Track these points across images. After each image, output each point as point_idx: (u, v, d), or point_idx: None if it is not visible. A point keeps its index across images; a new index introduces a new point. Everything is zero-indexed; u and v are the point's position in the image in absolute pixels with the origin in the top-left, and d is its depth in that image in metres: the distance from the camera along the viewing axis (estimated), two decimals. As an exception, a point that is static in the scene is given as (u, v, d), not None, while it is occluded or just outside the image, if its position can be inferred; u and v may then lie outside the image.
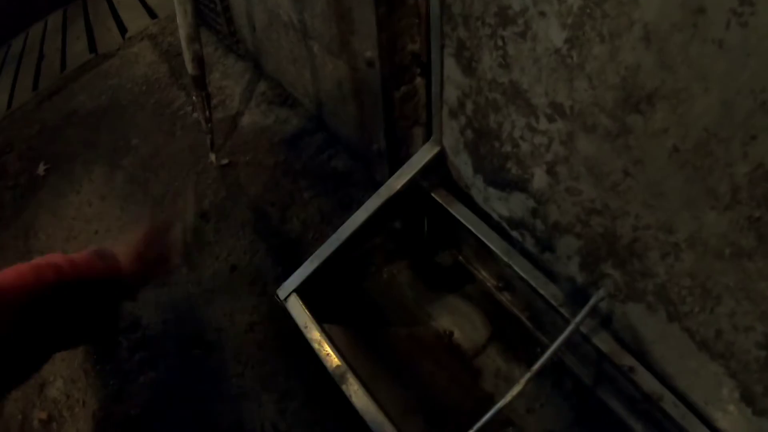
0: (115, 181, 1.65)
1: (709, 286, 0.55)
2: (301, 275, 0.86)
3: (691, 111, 0.46)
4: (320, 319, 0.85)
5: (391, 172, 0.88)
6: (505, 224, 0.80)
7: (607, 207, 0.61)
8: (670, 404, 0.66)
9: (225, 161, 1.45)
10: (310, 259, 0.86)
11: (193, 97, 1.50)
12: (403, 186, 0.84)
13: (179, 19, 1.28)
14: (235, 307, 1.13)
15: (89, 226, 1.55)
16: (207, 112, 1.45)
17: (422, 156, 0.85)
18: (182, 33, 1.32)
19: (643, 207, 0.56)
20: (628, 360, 0.70)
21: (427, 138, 0.91)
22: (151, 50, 2.20)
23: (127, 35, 2.43)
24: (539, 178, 0.68)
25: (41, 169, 1.91)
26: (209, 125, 1.46)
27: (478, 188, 0.82)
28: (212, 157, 1.47)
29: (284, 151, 1.37)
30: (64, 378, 1.23)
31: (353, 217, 0.85)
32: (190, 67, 1.39)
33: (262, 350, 1.04)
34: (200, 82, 1.41)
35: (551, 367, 0.87)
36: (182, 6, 1.22)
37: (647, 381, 0.68)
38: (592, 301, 0.66)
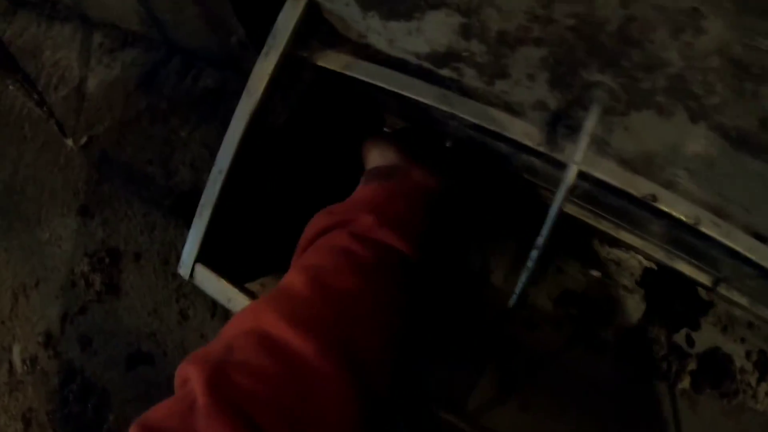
0: (-13, 224, 1.25)
1: (748, 61, 0.34)
2: (196, 237, 0.59)
3: None
4: (248, 277, 0.62)
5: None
6: (428, 64, 0.53)
7: (577, -18, 0.36)
8: (710, 224, 0.49)
9: (84, 140, 1.07)
10: (198, 211, 0.58)
11: (10, 86, 1.07)
12: (276, 68, 0.55)
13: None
14: (156, 300, 0.82)
15: (-17, 286, 1.19)
16: (35, 95, 1.05)
17: (287, 18, 0.55)
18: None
19: (635, -36, 0.33)
20: (646, 187, 0.49)
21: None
22: (-31, 65, 1.68)
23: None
24: (458, -24, 0.42)
25: None
26: (45, 109, 1.06)
27: (376, 31, 0.54)
28: (69, 142, 1.08)
29: (143, 96, 0.99)
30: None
31: (228, 133, 0.56)
32: (-14, 54, 0.97)
33: (204, 338, 0.75)
34: (7, 64, 0.99)
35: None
36: None
37: (676, 205, 0.49)
38: (587, 126, 0.43)
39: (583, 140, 0.42)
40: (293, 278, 0.38)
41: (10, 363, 1.09)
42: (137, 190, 0.91)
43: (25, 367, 1.06)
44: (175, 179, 0.87)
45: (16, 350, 1.09)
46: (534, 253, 0.41)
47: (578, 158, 0.42)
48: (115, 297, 0.89)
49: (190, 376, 0.34)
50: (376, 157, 0.55)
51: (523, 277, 0.41)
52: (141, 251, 0.87)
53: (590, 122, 0.42)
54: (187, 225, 0.87)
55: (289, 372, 0.32)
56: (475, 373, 0.62)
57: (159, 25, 0.98)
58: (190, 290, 0.81)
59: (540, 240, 0.40)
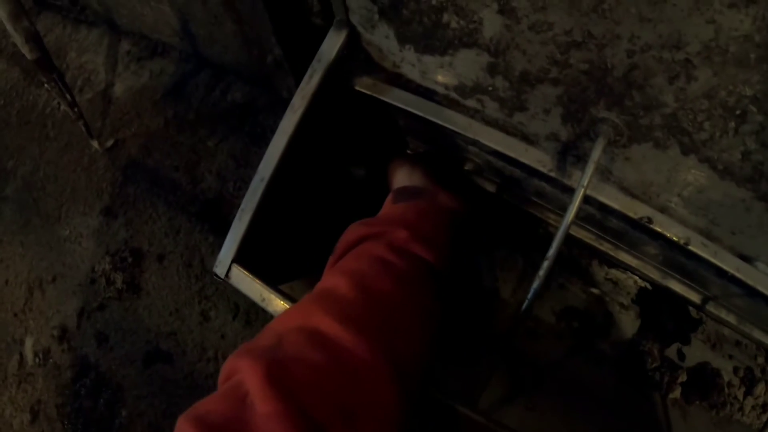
0: (5, 218, 1.29)
1: (732, 104, 0.41)
2: (235, 239, 0.63)
3: None
4: (279, 280, 0.65)
5: (299, 82, 0.64)
6: (455, 95, 0.60)
7: (590, 35, 0.43)
8: (699, 245, 0.56)
9: (110, 143, 1.12)
10: (237, 215, 0.63)
11: (45, 85, 1.11)
12: (318, 86, 0.61)
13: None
14: (178, 300, 0.86)
15: (-1, 280, 1.21)
16: (67, 96, 1.10)
17: (331, 44, 0.62)
18: (3, 14, 0.94)
19: (638, 23, 0.40)
20: (643, 210, 0.57)
21: (328, 25, 0.66)
22: (-5, 62, 1.71)
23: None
24: (491, 23, 0.48)
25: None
26: (76, 109, 1.11)
27: (410, 62, 0.60)
28: (94, 143, 1.13)
29: (171, 105, 1.04)
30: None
31: (271, 145, 0.62)
32: (26, 51, 1.02)
33: (225, 338, 0.79)
34: (45, 63, 1.05)
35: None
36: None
37: (669, 227, 0.56)
38: (595, 155, 0.49)
39: (590, 168, 0.48)
40: (336, 281, 0.42)
41: (21, 355, 1.11)
42: (163, 194, 0.95)
43: (37, 360, 1.08)
44: (201, 187, 0.92)
45: (29, 343, 1.11)
46: (545, 264, 0.46)
47: (585, 183, 0.48)
48: (135, 296, 0.93)
49: (240, 368, 0.35)
50: (404, 177, 0.60)
51: (536, 285, 0.46)
52: (165, 253, 0.91)
53: (596, 152, 0.49)
54: (213, 231, 0.92)
55: (339, 365, 0.35)
56: (486, 376, 0.68)
57: (191, 38, 1.04)
58: (212, 292, 0.85)
59: (551, 251, 0.46)
